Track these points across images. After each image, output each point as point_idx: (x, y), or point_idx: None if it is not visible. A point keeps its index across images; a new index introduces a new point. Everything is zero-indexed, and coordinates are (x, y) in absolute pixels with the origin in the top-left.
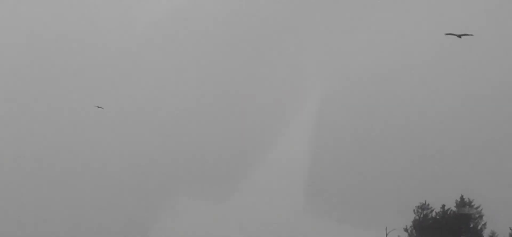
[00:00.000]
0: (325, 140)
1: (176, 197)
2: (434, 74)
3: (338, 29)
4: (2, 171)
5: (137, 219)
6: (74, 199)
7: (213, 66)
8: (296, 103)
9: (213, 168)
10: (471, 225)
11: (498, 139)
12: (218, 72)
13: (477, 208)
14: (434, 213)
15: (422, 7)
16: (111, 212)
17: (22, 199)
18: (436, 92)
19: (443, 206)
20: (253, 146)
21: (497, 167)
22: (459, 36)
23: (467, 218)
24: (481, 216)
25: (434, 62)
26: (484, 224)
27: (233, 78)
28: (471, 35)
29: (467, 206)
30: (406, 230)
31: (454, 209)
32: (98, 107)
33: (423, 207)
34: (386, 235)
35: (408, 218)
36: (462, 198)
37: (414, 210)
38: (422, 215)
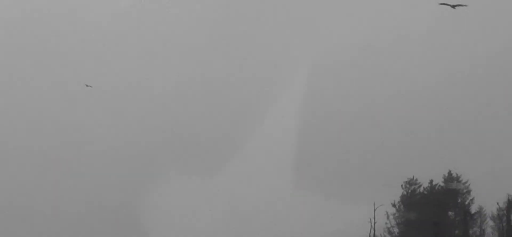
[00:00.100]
0: (313, 116)
1: (165, 173)
2: (423, 49)
3: (327, 3)
4: None
5: (126, 195)
6: (63, 176)
7: (202, 42)
8: (284, 79)
9: (202, 145)
10: (459, 200)
11: (487, 114)
12: (207, 48)
13: (464, 183)
14: (422, 188)
15: None
16: (101, 188)
17: (13, 176)
18: (425, 67)
19: (431, 181)
20: (242, 122)
21: (485, 143)
22: (453, 6)
23: (455, 193)
24: (468, 191)
25: (423, 37)
26: (472, 199)
27: (222, 54)
28: (465, 5)
29: (455, 181)
30: (394, 205)
31: (442, 184)
32: (87, 86)
33: (411, 182)
34: (374, 210)
35: (396, 194)
36: (450, 173)
37: (402, 186)
38: (410, 191)
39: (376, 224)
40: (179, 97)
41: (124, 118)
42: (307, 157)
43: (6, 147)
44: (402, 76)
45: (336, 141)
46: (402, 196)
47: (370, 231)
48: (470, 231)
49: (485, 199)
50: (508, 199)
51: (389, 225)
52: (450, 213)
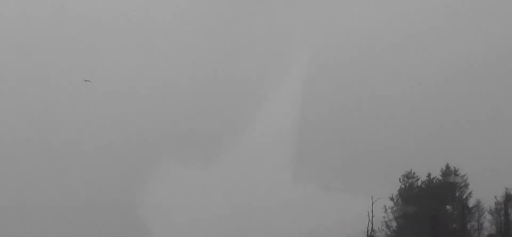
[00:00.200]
0: (312, 108)
1: (162, 169)
2: (421, 45)
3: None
4: None
5: (123, 192)
6: (62, 170)
7: (200, 34)
8: (283, 71)
9: (200, 136)
10: (457, 194)
11: (485, 109)
12: (205, 41)
13: (462, 177)
14: (419, 182)
15: None
16: (98, 185)
17: (12, 169)
18: (423, 61)
19: (429, 174)
20: (241, 113)
21: (483, 137)
22: None
23: (453, 187)
24: (466, 185)
25: (421, 34)
26: (470, 193)
27: (220, 47)
28: None
29: (453, 175)
30: (392, 198)
31: (440, 178)
32: (86, 81)
33: (409, 175)
34: (372, 204)
35: (394, 187)
36: (447, 166)
37: (400, 179)
38: (408, 184)
39: (374, 218)
40: (176, 93)
41: (121, 114)
42: (305, 151)
43: (2, 143)
44: (401, 72)
45: (334, 135)
46: (400, 190)
47: (368, 224)
48: (468, 225)
49: (483, 193)
50: (506, 193)
51: (387, 219)
52: (448, 206)
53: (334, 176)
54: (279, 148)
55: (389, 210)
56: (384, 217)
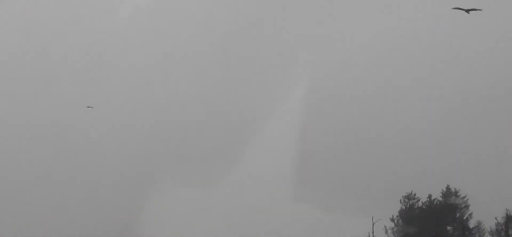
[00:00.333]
0: (314, 129)
1: (163, 185)
2: (424, 65)
3: (332, 15)
4: None
5: (124, 207)
6: (61, 190)
7: (201, 54)
8: (285, 91)
9: (202, 156)
10: (457, 215)
11: (486, 130)
12: (206, 59)
13: (463, 198)
14: (420, 203)
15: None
16: (102, 200)
17: (16, 193)
18: (426, 83)
19: (430, 196)
20: (242, 132)
21: (484, 158)
22: (467, 11)
23: (454, 208)
24: (467, 206)
25: (423, 55)
26: (470, 214)
27: (222, 70)
28: (480, 9)
29: (454, 196)
30: (392, 219)
31: (440, 199)
32: (89, 107)
33: (409, 197)
34: (373, 224)
35: (395, 208)
36: (448, 188)
37: (400, 200)
38: (408, 205)
39: None
40: (179, 109)
41: (125, 127)
42: (306, 172)
43: (9, 149)
44: (402, 92)
45: (335, 156)
46: (401, 210)
47: None
48: None
49: (484, 214)
50: (507, 214)
51: None
52: (448, 227)
53: (335, 196)
54: (280, 169)
55: (389, 231)
56: None
